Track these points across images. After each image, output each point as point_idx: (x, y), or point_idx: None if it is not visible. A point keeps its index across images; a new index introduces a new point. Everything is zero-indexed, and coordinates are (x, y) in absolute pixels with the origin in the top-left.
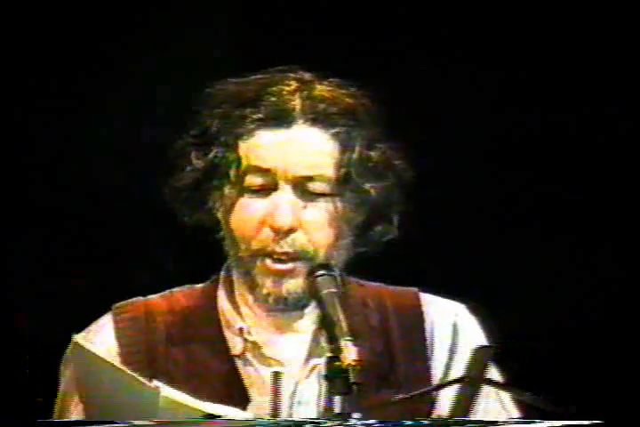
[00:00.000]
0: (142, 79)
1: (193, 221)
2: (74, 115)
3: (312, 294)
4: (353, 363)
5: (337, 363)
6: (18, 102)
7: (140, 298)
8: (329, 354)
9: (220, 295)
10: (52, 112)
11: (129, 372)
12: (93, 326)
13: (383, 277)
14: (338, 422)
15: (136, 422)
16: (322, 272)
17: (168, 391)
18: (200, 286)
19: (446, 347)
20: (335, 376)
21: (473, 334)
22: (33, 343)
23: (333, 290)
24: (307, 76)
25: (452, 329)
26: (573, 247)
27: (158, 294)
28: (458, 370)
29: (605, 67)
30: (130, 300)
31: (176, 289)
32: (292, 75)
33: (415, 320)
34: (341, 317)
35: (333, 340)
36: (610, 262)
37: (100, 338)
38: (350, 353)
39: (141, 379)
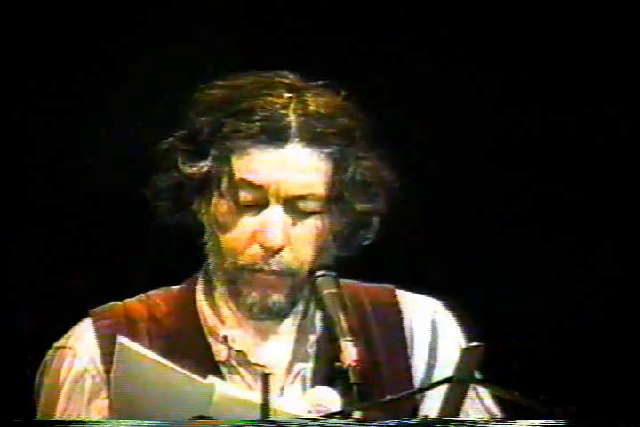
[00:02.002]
0: (142, 79)
1: (174, 221)
2: (74, 115)
3: (312, 294)
4: (353, 363)
5: (337, 363)
6: (18, 102)
7: (118, 302)
8: (329, 355)
9: (199, 299)
10: (52, 112)
11: (180, 369)
12: (73, 332)
13: (383, 278)
14: (323, 421)
15: (137, 422)
16: (322, 273)
17: (223, 386)
18: (177, 288)
19: (426, 344)
20: (335, 377)
21: (451, 331)
22: (33, 343)
23: (333, 290)
24: (297, 82)
25: (430, 326)
26: (573, 247)
27: (135, 298)
28: (439, 368)
29: (605, 67)
30: (107, 305)
31: (152, 292)
32: (282, 81)
33: (394, 318)
34: (342, 317)
35: (333, 340)
36: (610, 262)
37: (81, 344)
38: (350, 354)
39: (194, 376)
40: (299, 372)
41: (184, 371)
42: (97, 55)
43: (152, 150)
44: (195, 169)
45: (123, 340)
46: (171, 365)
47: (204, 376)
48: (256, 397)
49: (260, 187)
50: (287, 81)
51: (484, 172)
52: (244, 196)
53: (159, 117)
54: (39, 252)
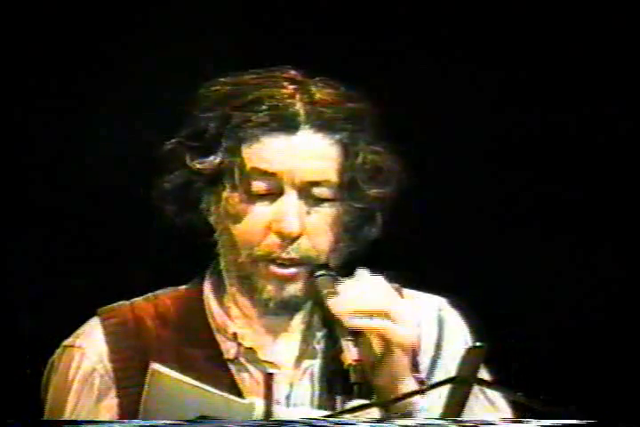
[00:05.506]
0: (142, 79)
1: (183, 222)
2: (74, 115)
3: (312, 294)
4: (353, 363)
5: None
6: (18, 102)
7: (125, 302)
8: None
9: (207, 298)
10: (52, 112)
11: (217, 391)
12: (81, 331)
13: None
14: (330, 421)
15: (137, 422)
16: (322, 272)
17: (262, 405)
18: (184, 288)
19: (433, 342)
20: (335, 377)
21: (457, 328)
22: (33, 343)
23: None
24: (298, 76)
25: (437, 323)
26: (573, 247)
27: (142, 297)
28: (443, 365)
29: (605, 67)
30: (115, 304)
31: (159, 292)
32: (283, 75)
33: None
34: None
35: (334, 340)
36: (610, 262)
37: (90, 343)
38: (351, 353)
39: (232, 397)
40: (307, 369)
41: (222, 393)
42: (97, 55)
43: (156, 152)
44: (205, 164)
45: (156, 366)
46: (207, 388)
47: (214, 374)
48: (296, 415)
49: (274, 175)
50: (289, 76)
51: (483, 172)
52: (258, 185)
53: (159, 117)
54: (39, 252)
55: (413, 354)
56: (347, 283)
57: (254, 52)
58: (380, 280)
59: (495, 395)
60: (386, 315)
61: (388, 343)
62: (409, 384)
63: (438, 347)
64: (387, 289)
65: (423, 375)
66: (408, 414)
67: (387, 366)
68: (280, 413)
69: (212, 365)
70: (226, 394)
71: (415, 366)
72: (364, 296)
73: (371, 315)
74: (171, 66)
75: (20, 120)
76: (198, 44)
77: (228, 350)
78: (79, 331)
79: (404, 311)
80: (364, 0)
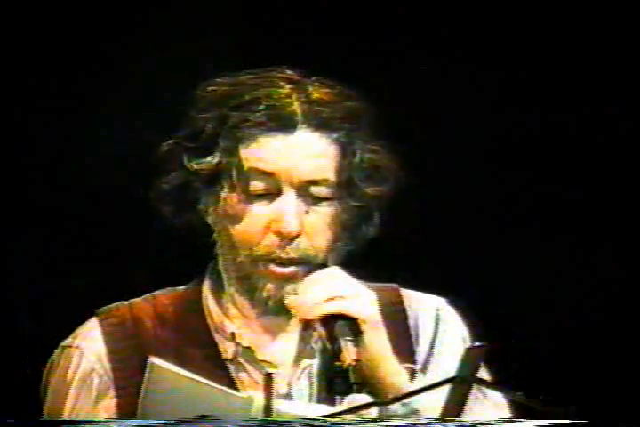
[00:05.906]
0: (142, 79)
1: (182, 223)
2: (74, 115)
3: None
4: (353, 363)
5: (337, 363)
6: (18, 102)
7: (124, 302)
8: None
9: (206, 298)
10: (52, 112)
11: (216, 385)
12: (79, 331)
13: (382, 278)
14: (329, 421)
15: (136, 423)
16: None
17: (261, 399)
18: (182, 288)
19: (429, 340)
20: (335, 376)
21: (454, 327)
22: (33, 343)
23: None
24: (295, 76)
25: (434, 322)
26: (573, 247)
27: (141, 298)
28: (437, 363)
29: (605, 67)
30: (114, 304)
31: (158, 292)
32: (280, 74)
33: (399, 317)
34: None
35: (334, 340)
36: (610, 262)
37: (88, 343)
38: (350, 353)
39: (231, 390)
40: (305, 368)
41: (220, 387)
42: (97, 55)
43: (154, 153)
44: (202, 165)
45: (155, 360)
46: (205, 381)
47: (212, 373)
48: (295, 408)
49: (271, 174)
50: (286, 75)
51: (483, 172)
52: (256, 185)
53: (159, 117)
54: (39, 252)
55: (406, 344)
56: (299, 287)
57: (254, 52)
58: (328, 270)
59: (495, 395)
60: (341, 297)
61: (355, 324)
62: (395, 367)
63: (432, 345)
64: (336, 275)
65: (417, 367)
66: (407, 407)
67: (364, 348)
68: (279, 407)
69: (211, 364)
70: (224, 387)
71: (410, 357)
72: (316, 290)
73: (327, 302)
74: (171, 66)
75: (20, 120)
76: (198, 44)
77: (227, 349)
78: (77, 331)
79: (359, 290)
80: (364, 0)
